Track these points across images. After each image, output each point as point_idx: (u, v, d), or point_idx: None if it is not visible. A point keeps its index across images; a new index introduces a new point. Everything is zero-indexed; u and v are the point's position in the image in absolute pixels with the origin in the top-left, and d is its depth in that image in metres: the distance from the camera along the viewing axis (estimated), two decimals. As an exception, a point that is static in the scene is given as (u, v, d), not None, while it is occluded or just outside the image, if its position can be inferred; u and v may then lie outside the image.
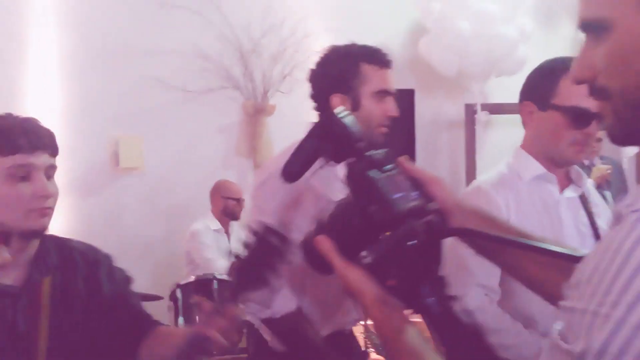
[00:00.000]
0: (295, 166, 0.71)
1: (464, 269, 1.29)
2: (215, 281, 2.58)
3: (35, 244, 1.13)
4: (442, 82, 3.92)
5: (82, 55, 3.49)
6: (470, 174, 3.93)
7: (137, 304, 1.26)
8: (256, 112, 3.75)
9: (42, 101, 3.43)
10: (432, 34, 3.74)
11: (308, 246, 0.70)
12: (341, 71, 1.44)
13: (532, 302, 1.29)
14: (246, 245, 1.02)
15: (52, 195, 1.07)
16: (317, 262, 0.70)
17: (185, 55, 3.58)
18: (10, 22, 3.37)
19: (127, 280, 1.26)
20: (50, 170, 1.09)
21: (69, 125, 3.47)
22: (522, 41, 3.69)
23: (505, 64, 3.69)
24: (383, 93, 1.44)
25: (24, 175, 1.04)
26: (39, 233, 1.09)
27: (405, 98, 3.50)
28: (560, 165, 1.36)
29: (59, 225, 3.31)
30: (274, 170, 1.36)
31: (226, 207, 3.26)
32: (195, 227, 3.19)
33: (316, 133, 0.71)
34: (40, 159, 1.06)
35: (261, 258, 0.99)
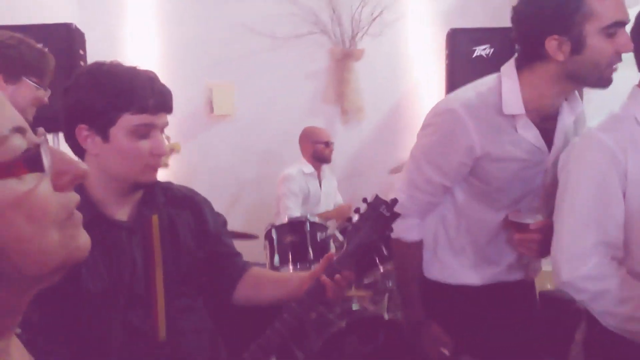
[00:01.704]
0: None
1: (583, 224, 1.17)
2: (307, 223, 2.65)
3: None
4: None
5: (176, 3, 3.60)
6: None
7: (232, 245, 1.32)
8: (344, 57, 3.68)
9: (140, 49, 3.61)
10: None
11: None
12: (559, 7, 1.19)
13: None
14: (357, 212, 1.09)
15: (166, 153, 1.14)
16: None
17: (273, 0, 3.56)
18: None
19: (225, 222, 1.33)
20: (164, 127, 1.14)
21: (165, 73, 3.61)
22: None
23: None
24: (615, 26, 1.18)
25: (145, 132, 1.09)
26: (149, 185, 1.16)
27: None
28: None
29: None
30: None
31: (315, 151, 3.31)
32: (287, 172, 3.28)
33: None
34: (162, 120, 1.12)
35: (372, 228, 1.07)
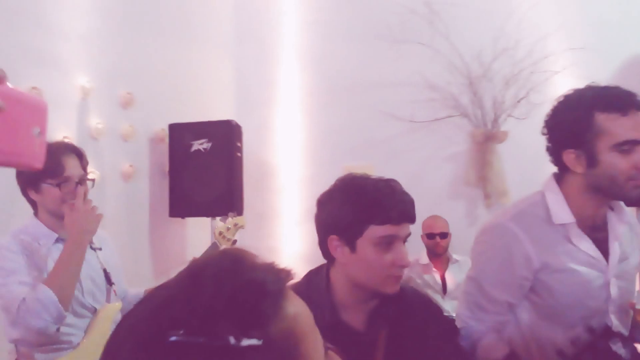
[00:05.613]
0: None
1: None
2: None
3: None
4: None
5: (321, 92, 3.86)
6: None
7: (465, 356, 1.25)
8: (486, 140, 3.59)
9: (287, 136, 3.91)
10: None
11: None
12: (571, 123, 1.28)
13: None
14: (575, 343, 0.99)
15: (408, 265, 1.15)
16: None
17: (413, 86, 3.65)
18: (261, 69, 3.93)
19: (455, 331, 1.28)
20: (407, 237, 1.15)
21: (309, 156, 3.86)
22: None
23: None
24: (628, 144, 1.24)
25: (388, 244, 1.12)
26: (389, 296, 1.16)
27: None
28: None
29: (301, 249, 3.67)
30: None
31: (426, 245, 3.18)
32: None
33: None
34: (404, 230, 1.14)
35: None
